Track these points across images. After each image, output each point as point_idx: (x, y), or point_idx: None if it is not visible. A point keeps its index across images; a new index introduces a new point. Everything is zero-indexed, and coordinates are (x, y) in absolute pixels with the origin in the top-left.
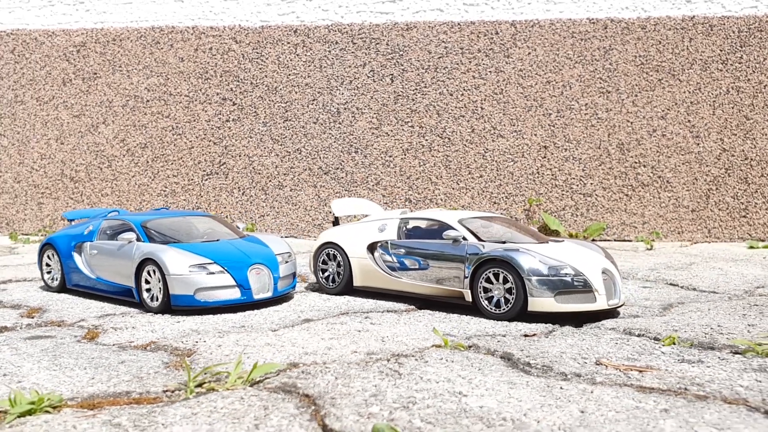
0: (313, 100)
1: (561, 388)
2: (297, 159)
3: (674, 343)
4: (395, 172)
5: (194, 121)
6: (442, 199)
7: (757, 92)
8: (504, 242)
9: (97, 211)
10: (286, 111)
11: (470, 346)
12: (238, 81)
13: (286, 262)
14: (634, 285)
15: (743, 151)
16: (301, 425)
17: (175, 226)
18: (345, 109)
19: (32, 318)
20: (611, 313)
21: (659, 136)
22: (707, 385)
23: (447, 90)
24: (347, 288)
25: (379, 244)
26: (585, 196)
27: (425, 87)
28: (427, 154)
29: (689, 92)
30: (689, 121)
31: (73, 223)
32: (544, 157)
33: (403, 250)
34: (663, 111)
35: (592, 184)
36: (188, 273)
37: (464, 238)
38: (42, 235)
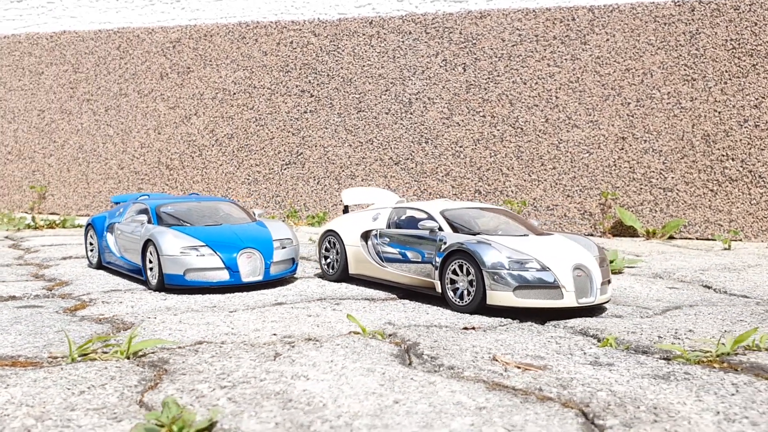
0: (386, 90)
1: (412, 379)
2: (369, 149)
3: (609, 345)
4: (465, 162)
5: (275, 112)
6: (512, 191)
7: None
8: (478, 233)
9: (140, 195)
10: (360, 102)
11: (390, 335)
12: (316, 73)
13: (284, 247)
14: (661, 285)
15: None
16: (123, 395)
17: (189, 210)
18: (416, 99)
19: (50, 291)
20: (591, 311)
21: (751, 126)
22: (568, 386)
23: (520, 79)
24: (344, 275)
25: (371, 233)
26: (665, 191)
27: (498, 76)
28: (498, 144)
29: None
30: None
31: (118, 205)
32: (622, 149)
33: (388, 240)
34: (757, 99)
35: (673, 178)
36: (179, 254)
37: (440, 229)
38: None
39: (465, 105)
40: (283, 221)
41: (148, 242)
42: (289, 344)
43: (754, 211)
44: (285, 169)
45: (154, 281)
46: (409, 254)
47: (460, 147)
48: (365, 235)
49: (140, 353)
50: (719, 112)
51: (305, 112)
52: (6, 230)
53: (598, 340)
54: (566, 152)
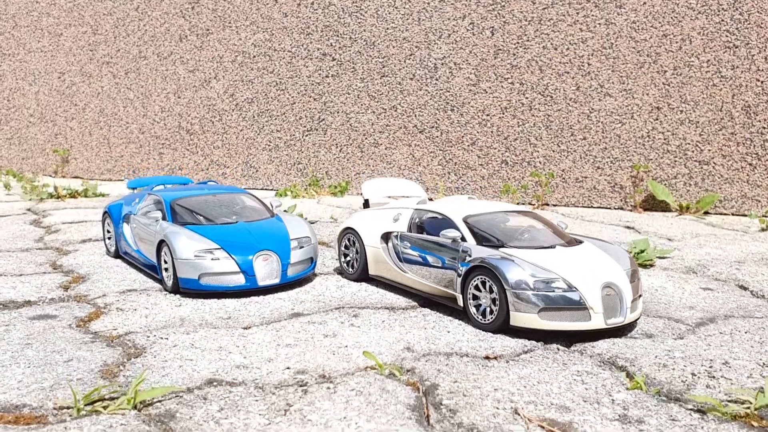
0: (410, 54)
1: None
2: (392, 116)
3: (639, 388)
4: (492, 132)
5: (296, 76)
6: (540, 162)
7: None
8: (503, 245)
9: (157, 180)
10: (383, 66)
11: (408, 371)
12: (338, 36)
13: (302, 247)
14: (695, 284)
15: None
16: None
17: (204, 204)
18: (442, 64)
19: (66, 290)
20: (621, 330)
21: None
22: None
23: (551, 44)
24: (363, 275)
25: (392, 234)
26: (701, 164)
27: (527, 41)
28: (527, 113)
29: None
30: None
31: (135, 191)
32: (656, 119)
33: (409, 244)
34: None
35: (710, 150)
36: (194, 258)
37: (462, 239)
38: None
39: (492, 71)
40: (302, 216)
41: (162, 242)
42: (301, 388)
43: None
44: (306, 135)
45: (169, 283)
46: (431, 261)
47: (487, 115)
48: (386, 237)
49: (147, 402)
50: (762, 82)
51: (327, 77)
52: (29, 200)
53: (628, 376)
54: (597, 122)
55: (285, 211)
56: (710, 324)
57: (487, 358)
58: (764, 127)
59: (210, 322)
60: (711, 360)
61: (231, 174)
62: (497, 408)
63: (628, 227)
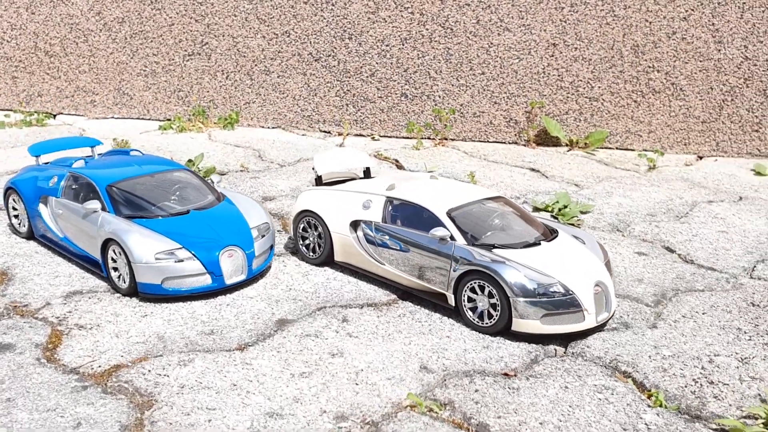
0: None
1: None
2: (285, 43)
3: (660, 406)
4: (392, 63)
5: None
6: (440, 96)
7: None
8: (494, 246)
9: (67, 142)
10: None
11: (445, 405)
12: None
13: (263, 236)
14: (628, 248)
15: (767, 60)
16: None
17: (145, 188)
18: None
19: None
20: (601, 325)
21: (678, 39)
22: None
23: None
24: (328, 259)
25: (362, 222)
26: (591, 101)
27: None
28: (426, 45)
29: None
30: (713, 24)
31: (40, 161)
32: (552, 56)
33: (387, 236)
34: (686, 11)
35: (600, 87)
36: (155, 261)
37: (452, 238)
38: (21, 114)
39: None
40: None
41: (109, 240)
42: None
43: (672, 123)
44: (188, 60)
45: (123, 285)
46: (414, 258)
47: (387, 46)
48: (354, 224)
49: None
50: (650, 23)
51: None
52: None
53: (639, 387)
54: (496, 57)
55: (218, 182)
56: (665, 304)
57: (506, 375)
58: (650, 67)
59: (195, 341)
60: (697, 359)
61: (101, 102)
62: None
63: (532, 170)
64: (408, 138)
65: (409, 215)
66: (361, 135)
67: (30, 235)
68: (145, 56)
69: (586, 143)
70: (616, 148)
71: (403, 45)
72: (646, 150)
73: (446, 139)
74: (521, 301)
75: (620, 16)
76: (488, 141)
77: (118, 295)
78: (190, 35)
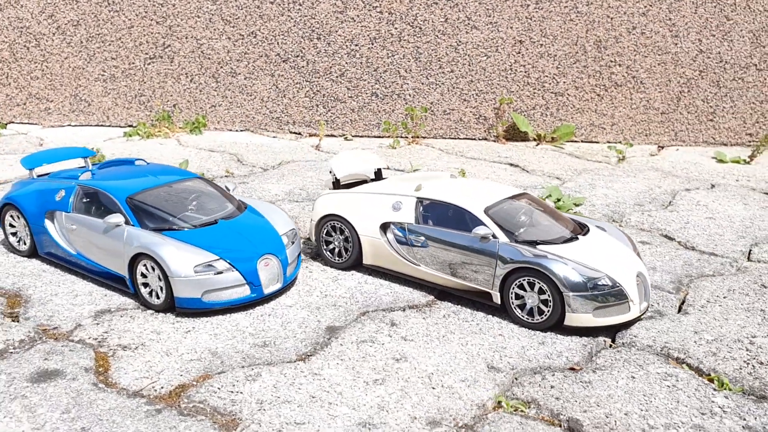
0: None
1: None
2: (252, 44)
3: (727, 389)
4: (361, 63)
5: None
6: (410, 95)
7: None
8: (536, 242)
9: (60, 153)
10: None
11: (528, 403)
12: None
13: (293, 242)
14: (632, 238)
15: (719, 53)
16: None
17: (165, 198)
18: None
19: (15, 318)
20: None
21: (638, 34)
22: None
23: None
24: (355, 263)
25: (392, 224)
26: (556, 96)
27: None
28: (396, 44)
29: None
30: (670, 19)
31: (34, 174)
32: (519, 53)
33: (422, 237)
34: (645, 7)
35: (564, 83)
36: (194, 275)
37: (494, 236)
38: None
39: None
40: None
41: (139, 255)
42: None
43: (634, 114)
44: (149, 63)
45: (156, 301)
46: (454, 257)
47: (356, 45)
48: (384, 226)
49: None
50: (612, 18)
51: None
52: None
53: (697, 372)
54: (465, 55)
55: (232, 188)
56: (685, 290)
57: (572, 369)
58: (612, 61)
59: (252, 354)
60: (739, 341)
61: (56, 109)
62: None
63: (511, 164)
64: (380, 137)
65: (444, 215)
66: (332, 135)
67: (32, 253)
68: (103, 60)
69: (553, 137)
70: (582, 141)
71: (372, 44)
72: (610, 142)
73: (418, 137)
74: (574, 296)
75: (583, 12)
76: (459, 138)
77: (150, 311)
78: (151, 37)
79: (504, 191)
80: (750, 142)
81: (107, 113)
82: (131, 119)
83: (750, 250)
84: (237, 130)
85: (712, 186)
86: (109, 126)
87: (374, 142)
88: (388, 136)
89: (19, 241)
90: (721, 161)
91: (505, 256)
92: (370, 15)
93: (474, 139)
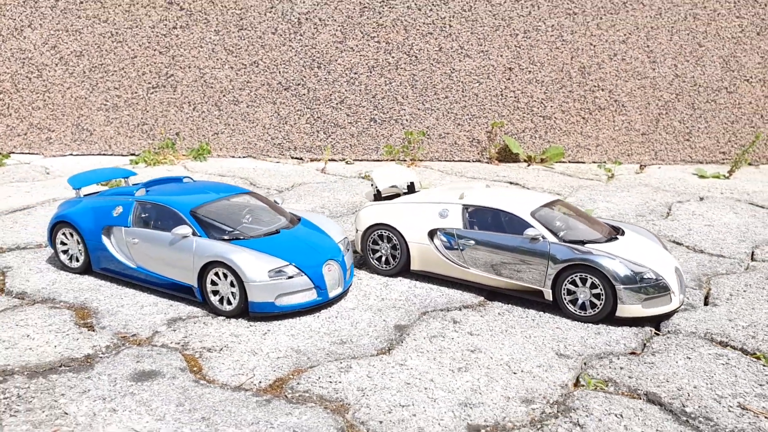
0: (271, 7)
1: None
2: (254, 73)
3: None
4: (360, 90)
5: (136, 27)
6: (407, 120)
7: (711, 20)
8: (582, 242)
9: (104, 173)
10: (241, 19)
11: (606, 381)
12: None
13: (347, 249)
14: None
15: (693, 77)
16: None
17: (224, 211)
18: (306, 19)
19: (90, 328)
20: None
21: (619, 60)
22: None
23: (415, 4)
24: (403, 270)
25: (439, 231)
26: (544, 119)
27: (392, 0)
28: (393, 72)
29: (650, 17)
30: (648, 46)
31: (82, 193)
32: (509, 79)
33: (472, 242)
34: (625, 35)
35: (552, 107)
36: (268, 279)
37: (543, 237)
38: None
39: (359, 29)
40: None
41: (210, 264)
42: (570, 421)
43: (617, 136)
44: (152, 93)
45: (228, 307)
46: (504, 258)
47: (355, 73)
48: (431, 233)
49: None
50: (594, 46)
51: (174, 28)
52: None
53: (743, 353)
54: (458, 82)
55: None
56: (706, 286)
57: (633, 353)
58: (595, 86)
59: (335, 351)
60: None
61: (58, 138)
62: (721, 401)
63: (511, 183)
64: (379, 161)
65: (490, 220)
66: (333, 160)
67: (85, 270)
68: (106, 90)
69: (542, 159)
70: (569, 162)
71: (370, 72)
72: (595, 161)
73: (416, 160)
74: (625, 289)
75: (568, 41)
76: (454, 160)
77: (221, 317)
78: (155, 67)
79: (542, 197)
80: (723, 159)
81: (109, 142)
82: (133, 147)
83: (752, 252)
84: (239, 157)
85: (701, 198)
86: (110, 155)
87: (374, 166)
88: (390, 159)
89: (71, 259)
90: (702, 177)
91: (557, 254)
92: (369, 45)
93: (468, 161)
